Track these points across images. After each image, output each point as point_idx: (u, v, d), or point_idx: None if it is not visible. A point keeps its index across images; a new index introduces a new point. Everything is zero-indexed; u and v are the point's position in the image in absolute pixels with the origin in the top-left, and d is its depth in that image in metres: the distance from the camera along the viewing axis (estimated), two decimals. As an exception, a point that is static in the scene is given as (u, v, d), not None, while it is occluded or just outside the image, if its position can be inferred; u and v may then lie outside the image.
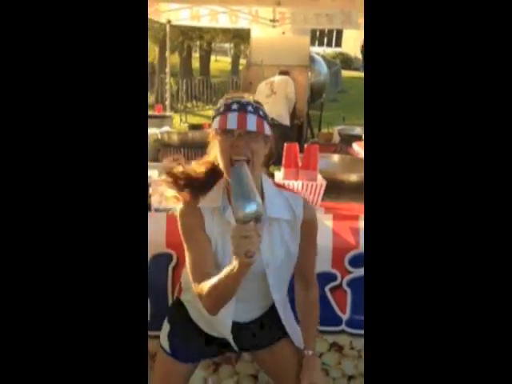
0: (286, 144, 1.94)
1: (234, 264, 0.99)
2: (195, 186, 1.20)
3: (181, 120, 9.29)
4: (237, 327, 1.28)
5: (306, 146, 1.94)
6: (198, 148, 4.03)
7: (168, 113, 5.68)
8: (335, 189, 2.28)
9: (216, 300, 1.10)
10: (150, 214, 1.60)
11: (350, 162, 3.06)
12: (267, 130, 1.14)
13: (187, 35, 12.14)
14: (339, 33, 19.32)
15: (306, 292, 1.35)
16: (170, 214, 1.59)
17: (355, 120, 6.77)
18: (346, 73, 15.52)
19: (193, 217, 1.18)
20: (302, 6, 4.35)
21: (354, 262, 1.55)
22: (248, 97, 1.16)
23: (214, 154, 1.17)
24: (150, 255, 1.55)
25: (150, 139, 4.03)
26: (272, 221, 1.19)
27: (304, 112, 6.08)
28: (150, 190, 1.68)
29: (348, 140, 4.41)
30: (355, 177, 2.40)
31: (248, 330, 1.32)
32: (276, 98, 5.19)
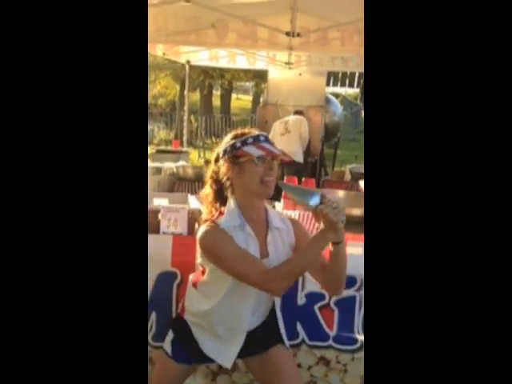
0: (285, 178, 2.11)
1: (319, 235, 1.29)
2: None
3: (199, 156, 9.61)
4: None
5: (303, 180, 2.11)
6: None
7: (185, 148, 5.95)
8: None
9: (293, 275, 1.34)
10: (157, 237, 1.78)
11: (354, 197, 3.21)
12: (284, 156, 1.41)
13: (208, 74, 12.62)
14: (361, 74, 19.78)
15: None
16: (176, 237, 1.77)
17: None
18: (365, 113, 15.79)
19: (221, 235, 1.35)
20: (315, 51, 4.62)
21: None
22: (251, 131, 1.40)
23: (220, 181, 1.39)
24: (156, 273, 1.72)
25: (166, 172, 4.26)
26: (275, 229, 1.42)
27: (318, 150, 6.27)
28: (160, 216, 1.85)
29: (358, 178, 4.57)
30: (358, 211, 2.55)
31: (251, 337, 1.44)
32: (290, 136, 5.41)
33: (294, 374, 1.45)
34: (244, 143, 1.35)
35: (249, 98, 19.85)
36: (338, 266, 1.38)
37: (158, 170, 4.13)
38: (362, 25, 3.45)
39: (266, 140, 1.38)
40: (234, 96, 17.74)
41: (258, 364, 1.48)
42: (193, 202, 2.08)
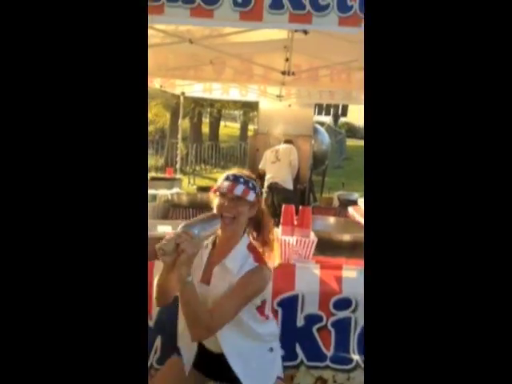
0: (283, 205, 2.26)
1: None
2: None
3: (189, 182, 9.75)
4: (210, 356, 1.52)
5: (300, 208, 2.26)
6: (205, 208, 4.36)
7: (178, 175, 6.09)
8: (330, 247, 2.57)
9: (190, 323, 1.40)
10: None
11: (344, 224, 3.39)
12: (251, 197, 1.47)
13: (198, 103, 12.90)
14: (345, 104, 20.37)
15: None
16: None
17: (358, 186, 7.17)
18: (350, 141, 16.25)
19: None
20: (306, 86, 4.86)
21: (338, 306, 1.83)
22: (244, 172, 1.55)
23: None
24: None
25: (161, 200, 4.37)
26: (224, 268, 1.48)
27: (307, 178, 6.47)
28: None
29: (346, 204, 4.76)
30: (348, 237, 2.71)
31: (219, 361, 1.50)
32: (280, 164, 5.60)
33: None
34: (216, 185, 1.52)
35: (236, 125, 20.19)
36: (182, 305, 1.43)
37: (153, 197, 4.25)
38: (352, 64, 3.66)
39: (234, 179, 1.48)
40: (221, 123, 18.03)
41: None
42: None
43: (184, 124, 11.81)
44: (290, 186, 5.59)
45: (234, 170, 1.56)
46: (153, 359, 1.81)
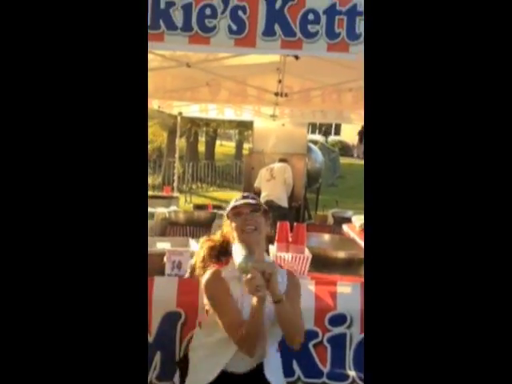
0: (278, 223, 2.32)
1: (253, 302, 1.41)
2: (214, 257, 1.64)
3: (186, 200, 9.80)
4: (232, 379, 1.54)
5: (295, 225, 2.32)
6: (202, 226, 4.42)
7: (175, 194, 6.15)
8: (325, 264, 2.62)
9: (250, 340, 1.46)
10: (164, 279, 1.95)
11: (339, 241, 3.44)
12: (263, 210, 1.63)
13: (195, 122, 13.07)
14: (338, 123, 20.70)
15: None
16: (181, 278, 1.94)
17: (351, 204, 7.24)
18: (344, 159, 16.40)
19: (219, 284, 1.54)
20: (298, 107, 4.99)
21: (333, 322, 1.87)
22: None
23: (222, 233, 1.66)
24: (161, 313, 1.87)
25: (159, 217, 4.43)
26: None
27: (302, 195, 6.54)
28: (165, 259, 2.03)
29: (340, 222, 4.82)
30: (343, 254, 2.76)
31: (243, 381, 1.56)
32: (275, 182, 5.68)
33: None
34: (230, 207, 1.64)
35: (232, 144, 20.34)
36: (283, 321, 1.50)
37: (151, 215, 4.30)
38: (342, 86, 3.78)
39: (243, 197, 1.65)
40: (217, 142, 18.18)
41: None
42: (193, 245, 2.26)
43: (181, 143, 11.97)
44: (284, 203, 5.66)
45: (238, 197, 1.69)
46: (152, 375, 1.84)
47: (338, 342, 1.88)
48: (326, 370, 1.87)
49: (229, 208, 1.65)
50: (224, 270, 1.58)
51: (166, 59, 3.33)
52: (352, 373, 1.89)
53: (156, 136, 13.35)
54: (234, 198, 1.71)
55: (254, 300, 1.42)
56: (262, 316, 1.44)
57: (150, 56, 2.98)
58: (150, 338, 1.85)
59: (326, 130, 16.27)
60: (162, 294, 1.85)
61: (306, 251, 2.20)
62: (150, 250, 2.13)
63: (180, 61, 3.27)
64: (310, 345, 1.88)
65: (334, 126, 20.99)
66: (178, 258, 2.00)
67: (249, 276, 1.40)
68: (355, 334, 1.90)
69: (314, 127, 17.17)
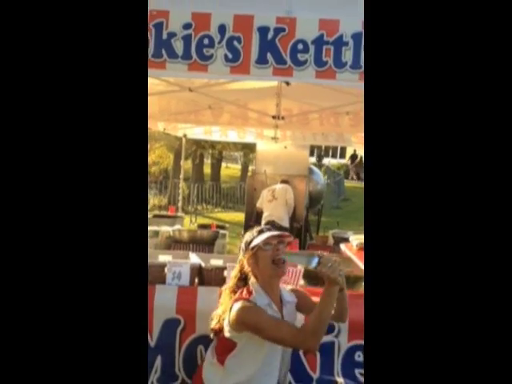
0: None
1: (327, 290, 1.52)
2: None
3: (191, 221, 9.94)
4: None
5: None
6: (204, 244, 4.55)
7: (180, 213, 6.31)
8: (321, 279, 2.74)
9: (321, 329, 1.55)
10: (164, 287, 2.07)
11: (336, 259, 3.56)
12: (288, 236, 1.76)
13: (200, 144, 13.32)
14: (342, 148, 20.92)
15: None
16: (181, 287, 2.07)
17: (355, 226, 7.34)
18: (348, 182, 16.56)
19: (258, 309, 1.63)
20: (297, 130, 5.17)
21: (321, 329, 1.97)
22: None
23: (243, 269, 1.74)
24: (162, 320, 1.99)
25: (163, 235, 4.58)
26: (287, 303, 1.76)
27: (303, 216, 6.67)
28: (166, 270, 2.16)
29: (339, 242, 4.94)
30: (338, 271, 2.88)
31: None
32: (277, 203, 5.83)
33: None
34: (251, 239, 1.72)
35: (237, 166, 20.58)
36: (343, 305, 1.71)
37: (156, 233, 4.45)
38: (338, 109, 3.94)
39: (269, 229, 1.73)
40: (223, 165, 18.41)
41: None
42: (193, 258, 2.39)
43: (186, 165, 12.20)
44: (286, 223, 5.78)
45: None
46: (153, 378, 1.96)
47: (327, 350, 1.99)
48: (315, 376, 1.98)
49: (257, 239, 1.68)
50: (253, 299, 1.66)
51: (170, 84, 3.53)
52: (340, 379, 1.99)
53: (163, 158, 13.62)
54: (252, 232, 1.74)
55: (329, 287, 1.52)
56: (333, 304, 1.57)
57: (155, 81, 3.18)
58: (152, 343, 1.97)
59: (319, 153, 16.80)
60: (163, 302, 1.98)
61: (299, 265, 2.32)
62: (152, 261, 2.27)
63: (183, 86, 3.46)
64: (301, 352, 1.98)
65: (339, 149, 21.20)
66: (179, 269, 2.13)
67: (329, 264, 1.48)
68: (343, 342, 2.01)
69: (319, 151, 17.51)
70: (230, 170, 20.78)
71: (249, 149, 13.73)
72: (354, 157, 18.55)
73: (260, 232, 1.71)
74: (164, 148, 13.15)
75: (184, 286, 2.08)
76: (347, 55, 1.98)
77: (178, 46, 2.06)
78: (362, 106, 3.59)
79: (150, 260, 2.28)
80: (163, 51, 2.07)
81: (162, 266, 2.18)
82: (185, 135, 6.46)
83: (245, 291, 1.69)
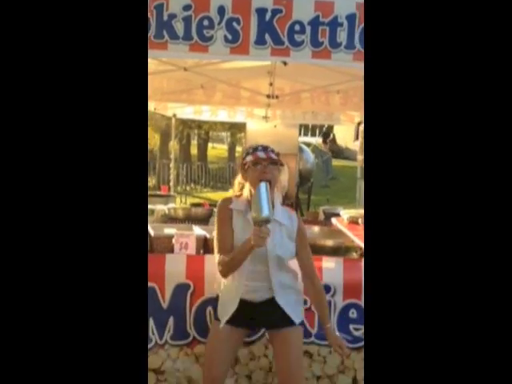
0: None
1: (247, 244, 1.67)
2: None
3: (181, 201, 10.06)
4: (251, 306, 1.82)
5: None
6: (199, 221, 4.69)
7: (172, 193, 6.44)
8: (314, 250, 2.91)
9: (228, 267, 1.77)
10: (174, 256, 2.23)
11: (327, 232, 3.75)
12: (281, 161, 1.86)
13: (187, 124, 13.29)
14: (330, 126, 21.03)
15: (313, 284, 1.93)
16: (189, 255, 2.22)
17: (343, 204, 7.54)
18: (336, 161, 16.73)
19: (227, 214, 1.84)
20: (289, 108, 5.28)
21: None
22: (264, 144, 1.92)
23: (241, 182, 1.88)
24: (173, 285, 2.15)
25: (159, 214, 4.70)
26: (276, 222, 1.82)
27: (294, 194, 6.84)
28: (173, 241, 2.31)
29: (329, 216, 5.13)
30: (331, 242, 3.06)
31: (261, 309, 1.83)
32: None
33: (292, 353, 1.84)
34: (246, 154, 1.87)
35: (223, 147, 20.59)
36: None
37: (151, 212, 4.57)
38: (330, 87, 4.06)
39: (263, 150, 1.84)
40: (209, 145, 18.41)
41: (273, 342, 1.92)
42: (197, 230, 2.53)
43: (173, 146, 12.21)
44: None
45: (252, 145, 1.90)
46: (167, 336, 2.13)
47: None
48: (313, 331, 2.16)
49: (249, 156, 1.81)
50: (234, 201, 1.85)
51: (162, 63, 3.59)
52: (336, 334, 2.18)
53: (149, 139, 13.61)
54: (252, 147, 1.87)
55: (250, 243, 1.66)
56: (243, 260, 1.74)
57: (149, 60, 3.25)
58: (164, 306, 2.13)
59: (325, 132, 16.48)
60: (173, 269, 2.14)
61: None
62: (160, 233, 2.42)
63: (177, 65, 3.54)
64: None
65: (325, 128, 21.32)
66: (185, 239, 2.28)
67: (259, 233, 1.61)
68: (338, 301, 2.20)
69: (306, 130, 17.47)
70: (217, 150, 20.78)
71: (237, 129, 13.78)
72: (326, 134, 18.08)
73: (254, 150, 1.83)
74: (150, 129, 13.13)
75: (192, 255, 2.23)
76: (342, 36, 2.11)
77: (179, 27, 2.15)
78: (353, 84, 3.74)
79: (157, 232, 2.43)
80: (164, 32, 2.16)
81: (170, 237, 2.33)
82: (174, 115, 6.52)
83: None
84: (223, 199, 1.89)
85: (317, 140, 18.75)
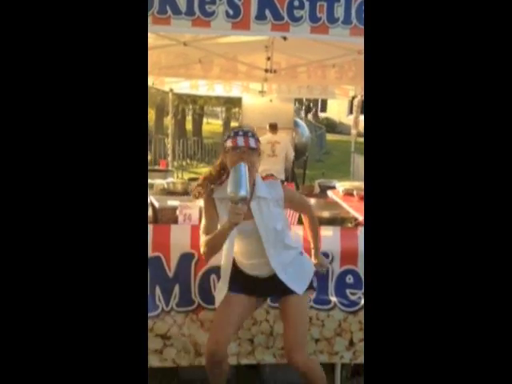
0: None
1: (225, 223, 1.76)
2: (212, 182, 1.95)
3: (177, 177, 10.11)
4: (257, 280, 1.95)
5: (285, 183, 2.70)
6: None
7: (170, 167, 6.51)
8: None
9: (208, 246, 1.87)
10: (179, 226, 2.32)
11: (324, 204, 3.86)
12: (259, 148, 1.88)
13: (182, 99, 13.22)
14: (324, 100, 20.95)
15: (308, 216, 2.09)
16: (193, 226, 2.32)
17: (337, 178, 7.65)
18: (330, 136, 16.74)
19: (210, 202, 1.93)
20: (285, 82, 5.31)
21: (318, 258, 2.27)
22: (246, 127, 1.93)
23: (223, 161, 1.91)
24: (178, 254, 2.25)
25: (158, 188, 4.78)
26: (260, 199, 1.91)
27: (290, 168, 6.93)
28: (177, 212, 2.40)
29: (325, 189, 5.23)
30: (327, 213, 3.17)
31: (267, 283, 1.96)
32: (277, 159, 6.03)
33: (296, 319, 1.96)
34: (227, 137, 1.90)
35: (218, 122, 20.51)
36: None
37: (150, 186, 4.64)
38: (326, 62, 4.10)
39: (244, 134, 1.83)
40: (204, 120, 18.32)
41: (281, 306, 2.04)
42: (199, 202, 2.62)
43: (168, 120, 12.15)
44: (282, 177, 6.08)
45: (236, 126, 1.94)
46: (173, 303, 2.25)
47: (322, 275, 2.29)
48: (312, 296, 2.28)
49: (229, 141, 1.83)
50: (216, 191, 1.92)
51: (160, 37, 3.60)
52: (333, 298, 2.31)
53: (144, 114, 13.52)
54: (233, 130, 1.87)
55: (227, 223, 1.74)
56: (224, 238, 1.82)
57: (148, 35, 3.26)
58: (170, 274, 2.24)
59: (307, 105, 16.23)
60: (178, 239, 2.23)
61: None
62: (164, 204, 2.51)
63: (176, 39, 3.55)
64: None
65: (320, 103, 21.26)
66: (189, 211, 2.37)
67: (235, 210, 1.69)
68: (336, 268, 2.32)
69: (301, 105, 17.42)
70: (212, 125, 20.70)
71: (231, 103, 13.72)
72: (308, 107, 17.49)
73: (235, 134, 1.84)
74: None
75: (196, 225, 2.32)
76: (339, 11, 2.15)
77: (181, 2, 2.17)
78: (348, 58, 3.78)
79: (161, 204, 2.52)
80: (167, 7, 2.19)
81: (174, 209, 2.42)
82: (171, 90, 6.53)
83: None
84: (207, 191, 1.91)
85: (310, 115, 18.68)
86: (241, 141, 1.83)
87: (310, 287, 2.05)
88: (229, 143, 1.86)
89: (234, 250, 1.99)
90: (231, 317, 1.96)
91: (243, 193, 1.69)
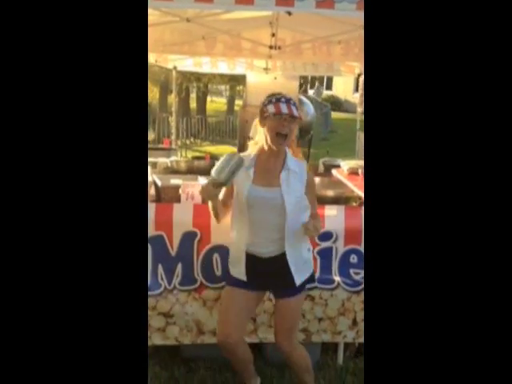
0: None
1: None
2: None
3: (181, 155, 10.08)
4: (259, 261, 1.89)
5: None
6: (201, 174, 4.76)
7: (174, 146, 6.47)
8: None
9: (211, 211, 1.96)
10: (181, 205, 2.31)
11: (328, 183, 3.83)
12: (300, 116, 1.83)
13: (186, 77, 13.08)
14: (330, 78, 20.68)
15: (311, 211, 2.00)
16: (196, 204, 2.31)
17: (342, 156, 7.59)
18: (335, 114, 16.57)
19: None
20: (290, 59, 5.22)
21: (321, 238, 2.27)
22: (287, 94, 1.87)
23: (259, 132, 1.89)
24: (181, 233, 2.25)
25: (161, 166, 4.77)
26: (290, 171, 1.89)
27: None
28: (180, 190, 2.39)
29: (329, 168, 5.20)
30: (332, 192, 3.15)
31: (268, 265, 1.90)
32: None
33: (287, 315, 1.97)
34: (268, 102, 1.83)
35: (222, 100, 20.33)
36: None
37: (154, 164, 4.63)
38: (331, 38, 4.02)
39: (286, 101, 1.79)
40: (208, 98, 18.16)
41: (276, 303, 2.05)
42: (202, 180, 2.61)
43: (171, 99, 12.04)
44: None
45: (274, 93, 1.85)
46: (175, 281, 2.25)
47: (326, 254, 2.29)
48: (316, 276, 2.28)
49: (270, 106, 1.77)
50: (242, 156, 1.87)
51: (164, 14, 3.53)
52: (337, 278, 2.31)
53: (148, 92, 13.42)
54: (275, 97, 1.81)
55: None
56: (214, 210, 1.92)
57: (150, 11, 3.19)
58: (172, 253, 2.24)
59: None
60: (181, 217, 2.22)
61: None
62: (167, 183, 2.49)
63: (179, 16, 3.48)
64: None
65: (325, 81, 20.99)
66: (192, 189, 2.36)
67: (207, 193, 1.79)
68: (339, 247, 2.31)
69: (306, 82, 17.18)
70: (216, 103, 20.52)
71: (236, 81, 13.55)
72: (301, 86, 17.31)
73: (277, 100, 1.79)
74: (148, 82, 12.91)
75: (198, 204, 2.31)
76: (346, -15, 2.09)
77: (184, -24, 2.13)
78: (354, 34, 3.69)
79: (164, 182, 2.51)
80: (169, -19, 2.14)
81: (176, 187, 2.40)
82: (175, 67, 6.44)
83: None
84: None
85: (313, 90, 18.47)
86: (284, 108, 1.78)
87: (306, 285, 2.03)
88: (271, 108, 1.80)
89: (248, 225, 1.90)
90: (237, 315, 1.97)
91: (222, 179, 1.77)
